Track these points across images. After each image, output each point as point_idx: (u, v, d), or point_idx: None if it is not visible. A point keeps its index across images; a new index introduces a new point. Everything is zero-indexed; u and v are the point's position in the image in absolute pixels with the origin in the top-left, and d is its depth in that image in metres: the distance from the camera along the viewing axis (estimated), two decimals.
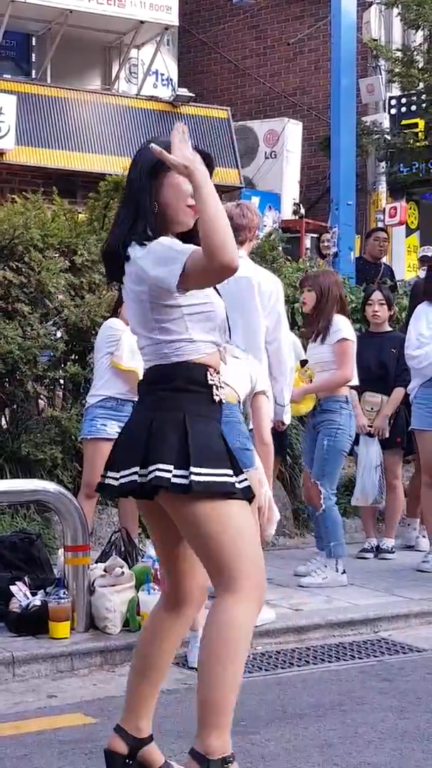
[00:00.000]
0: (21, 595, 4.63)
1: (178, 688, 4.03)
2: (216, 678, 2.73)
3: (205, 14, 16.87)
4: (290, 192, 14.61)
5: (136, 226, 2.84)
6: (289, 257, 8.83)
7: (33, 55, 14.24)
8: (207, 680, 2.75)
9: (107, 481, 2.90)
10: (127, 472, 2.81)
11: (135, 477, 2.78)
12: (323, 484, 5.69)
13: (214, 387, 2.84)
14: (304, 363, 5.69)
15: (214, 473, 2.73)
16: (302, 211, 14.40)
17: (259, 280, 5.10)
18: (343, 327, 5.78)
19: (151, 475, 2.73)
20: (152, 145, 2.77)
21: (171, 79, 15.01)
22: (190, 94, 14.09)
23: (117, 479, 2.85)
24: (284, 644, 4.71)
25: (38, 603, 4.55)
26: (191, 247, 2.74)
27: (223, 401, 2.89)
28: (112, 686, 4.09)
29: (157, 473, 2.72)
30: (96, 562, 4.87)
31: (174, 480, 2.71)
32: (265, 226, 12.22)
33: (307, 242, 13.48)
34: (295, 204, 14.53)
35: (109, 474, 2.90)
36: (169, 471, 2.72)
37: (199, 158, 2.74)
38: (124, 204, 2.95)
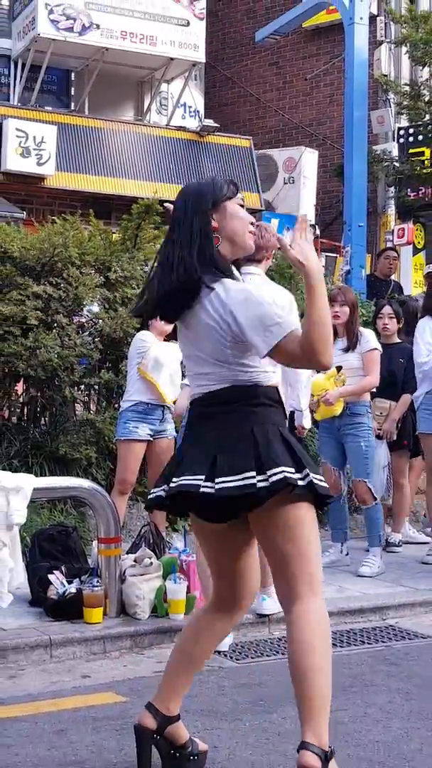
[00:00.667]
0: (58, 583, 4.63)
1: (202, 670, 4.01)
2: (326, 673, 2.65)
3: (229, 52, 16.88)
4: (307, 214, 14.56)
5: (204, 259, 2.71)
6: None
7: (72, 89, 14.30)
8: (319, 677, 2.64)
9: (202, 490, 2.66)
10: (233, 478, 2.63)
11: (249, 481, 2.62)
12: (370, 481, 5.75)
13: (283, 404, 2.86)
14: (339, 369, 5.69)
15: (318, 477, 2.71)
16: (318, 231, 14.35)
17: (274, 295, 5.10)
18: (371, 338, 5.87)
19: (275, 477, 2.62)
20: (274, 232, 2.77)
21: (198, 111, 15.03)
22: (216, 125, 14.10)
23: (212, 486, 2.65)
24: None
25: (74, 590, 4.55)
26: (292, 321, 2.64)
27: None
28: (141, 668, 4.09)
29: (285, 474, 2.62)
30: (127, 553, 4.86)
31: (299, 481, 2.65)
32: None
33: (322, 260, 13.43)
34: (311, 225, 14.49)
35: (196, 481, 2.68)
36: (292, 473, 2.65)
37: (315, 256, 2.63)
38: (178, 239, 2.76)
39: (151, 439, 5.59)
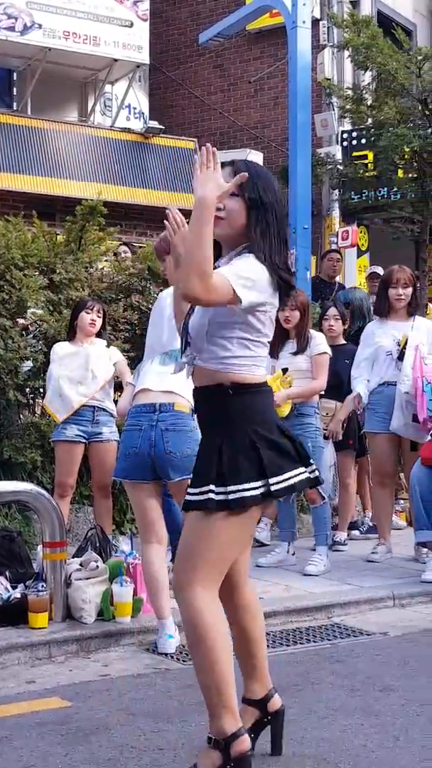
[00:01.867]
0: (2, 588, 4.59)
1: (148, 673, 4.01)
2: (199, 670, 2.83)
3: (173, 54, 16.88)
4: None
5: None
6: None
7: (14, 89, 14.17)
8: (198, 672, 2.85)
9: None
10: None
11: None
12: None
13: None
14: (285, 370, 5.73)
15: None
16: None
17: None
18: (321, 342, 5.91)
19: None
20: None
21: (142, 113, 15.00)
22: (160, 127, 14.09)
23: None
24: None
25: (18, 595, 4.51)
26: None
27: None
28: (87, 672, 4.06)
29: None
30: (72, 557, 4.83)
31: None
32: None
33: None
34: None
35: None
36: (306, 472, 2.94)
37: (212, 185, 2.72)
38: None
39: (85, 441, 5.60)
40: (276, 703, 3.06)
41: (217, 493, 2.71)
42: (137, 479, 4.26)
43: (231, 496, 2.71)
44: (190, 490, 2.81)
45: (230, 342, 2.78)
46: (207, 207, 2.67)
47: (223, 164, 2.86)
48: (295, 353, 5.82)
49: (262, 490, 2.73)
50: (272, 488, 2.75)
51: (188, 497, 2.81)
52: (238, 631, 2.99)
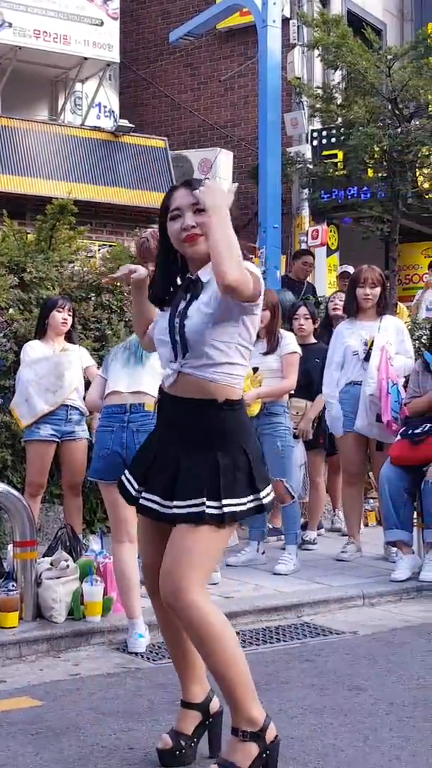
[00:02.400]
0: None
1: (118, 672, 4.01)
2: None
3: (144, 52, 16.85)
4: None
5: None
6: None
7: None
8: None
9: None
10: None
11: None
12: (287, 480, 5.78)
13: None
14: (255, 369, 5.74)
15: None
16: None
17: None
18: (291, 341, 5.91)
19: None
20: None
21: (113, 111, 14.96)
22: (131, 125, 14.06)
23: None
24: None
25: None
26: None
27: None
28: (57, 671, 4.06)
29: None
30: (43, 557, 4.82)
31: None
32: None
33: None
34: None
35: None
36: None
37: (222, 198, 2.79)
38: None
39: (58, 440, 5.59)
40: (215, 704, 3.08)
41: (211, 507, 2.77)
42: (110, 480, 4.25)
43: (225, 510, 2.78)
44: (176, 503, 2.81)
45: (230, 348, 2.83)
46: (223, 211, 2.76)
47: (173, 189, 2.96)
48: (266, 353, 5.83)
49: (254, 503, 2.85)
50: (264, 501, 2.87)
51: (175, 510, 2.81)
52: (178, 632, 2.98)
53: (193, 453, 2.82)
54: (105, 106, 14.85)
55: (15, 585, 4.44)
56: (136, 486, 2.96)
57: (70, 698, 3.52)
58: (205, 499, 2.77)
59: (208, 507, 2.76)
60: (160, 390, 2.98)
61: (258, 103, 10.69)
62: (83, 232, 7.74)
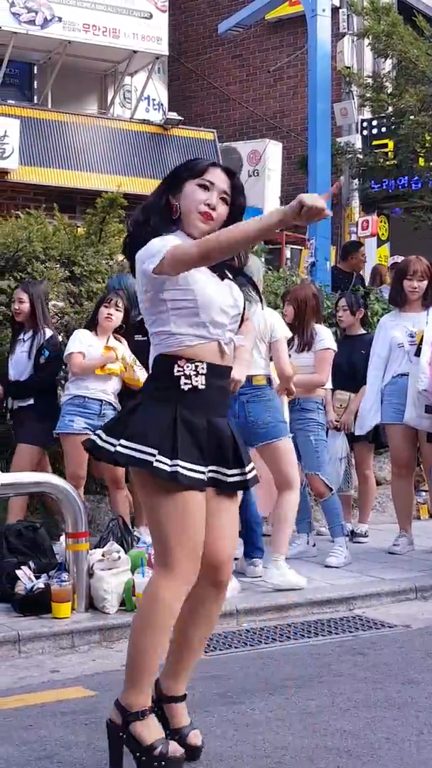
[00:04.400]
0: (26, 578, 4.62)
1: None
2: (133, 643, 2.81)
3: (192, 44, 16.83)
4: (272, 207, 14.57)
5: (147, 224, 2.89)
6: (271, 267, 8.82)
7: (35, 82, 14.19)
8: (131, 644, 2.82)
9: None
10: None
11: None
12: (323, 473, 5.75)
13: (182, 377, 2.78)
14: None
15: (137, 449, 2.74)
16: None
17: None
18: (326, 337, 5.83)
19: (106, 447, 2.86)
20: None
21: (162, 104, 14.99)
22: (179, 118, 14.07)
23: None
24: (267, 621, 4.70)
25: (42, 586, 4.54)
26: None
27: (199, 388, 2.78)
28: (110, 662, 4.08)
29: (106, 446, 2.84)
30: (94, 548, 4.85)
31: (106, 447, 2.82)
32: None
33: (288, 253, 13.47)
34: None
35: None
36: (111, 444, 2.81)
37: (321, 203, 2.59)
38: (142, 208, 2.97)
39: (92, 433, 5.59)
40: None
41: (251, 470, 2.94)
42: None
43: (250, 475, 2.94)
44: (242, 470, 2.88)
45: None
46: (283, 222, 2.62)
47: (213, 164, 2.94)
48: (299, 350, 5.75)
49: None
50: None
51: (247, 476, 2.89)
52: (192, 618, 2.96)
53: (232, 420, 2.96)
54: (154, 99, 14.88)
55: (67, 576, 4.48)
56: (202, 469, 2.79)
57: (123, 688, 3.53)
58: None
59: (254, 468, 2.94)
60: (212, 365, 2.83)
61: (307, 93, 10.63)
62: None
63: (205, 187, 2.87)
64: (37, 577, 4.64)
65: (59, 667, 4.02)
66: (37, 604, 4.47)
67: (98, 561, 4.67)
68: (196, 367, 2.78)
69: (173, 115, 14.05)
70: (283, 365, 5.15)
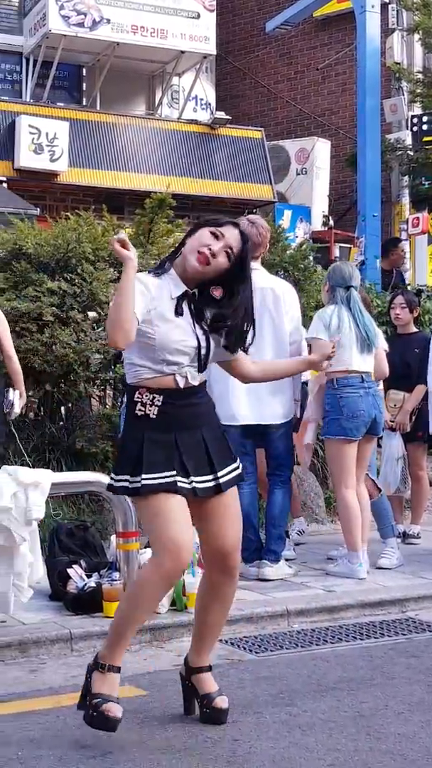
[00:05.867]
0: (77, 577, 4.66)
1: (221, 664, 4.02)
2: (119, 615, 3.21)
3: (240, 43, 16.83)
4: (320, 205, 14.52)
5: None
6: (320, 265, 8.78)
7: (84, 84, 14.29)
8: (117, 615, 3.23)
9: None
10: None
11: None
12: (371, 473, 5.75)
13: (139, 404, 3.14)
14: None
15: (117, 479, 3.20)
16: (331, 222, 14.30)
17: (273, 287, 5.20)
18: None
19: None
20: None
21: (209, 104, 15.00)
22: (227, 117, 14.07)
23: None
24: (318, 623, 4.68)
25: (93, 584, 4.57)
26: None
27: (151, 417, 3.13)
28: (161, 661, 4.10)
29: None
30: (145, 548, 4.87)
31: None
32: (296, 237, 12.16)
33: (336, 251, 13.40)
34: (324, 216, 14.43)
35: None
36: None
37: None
38: None
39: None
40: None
41: (238, 467, 3.30)
42: (357, 437, 5.30)
43: (240, 468, 3.34)
44: (222, 472, 3.22)
45: None
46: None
47: (233, 224, 3.24)
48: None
49: None
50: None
51: (226, 477, 3.22)
52: (214, 597, 3.35)
53: (207, 429, 3.23)
54: (201, 99, 14.89)
55: (118, 575, 4.50)
56: (187, 480, 3.16)
57: (174, 688, 3.54)
58: (234, 464, 3.26)
59: (238, 468, 3.27)
60: (167, 390, 3.15)
61: (356, 90, 10.58)
62: (181, 225, 7.77)
63: (215, 236, 3.16)
64: (89, 576, 4.67)
65: None
66: (89, 602, 4.50)
67: (149, 560, 4.67)
68: (153, 398, 3.14)
69: (221, 115, 14.05)
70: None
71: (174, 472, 3.12)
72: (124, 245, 3.09)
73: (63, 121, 12.59)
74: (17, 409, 5.46)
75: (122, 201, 12.52)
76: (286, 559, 5.43)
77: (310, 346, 5.35)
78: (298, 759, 2.99)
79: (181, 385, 3.15)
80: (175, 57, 13.80)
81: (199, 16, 13.67)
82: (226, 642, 4.33)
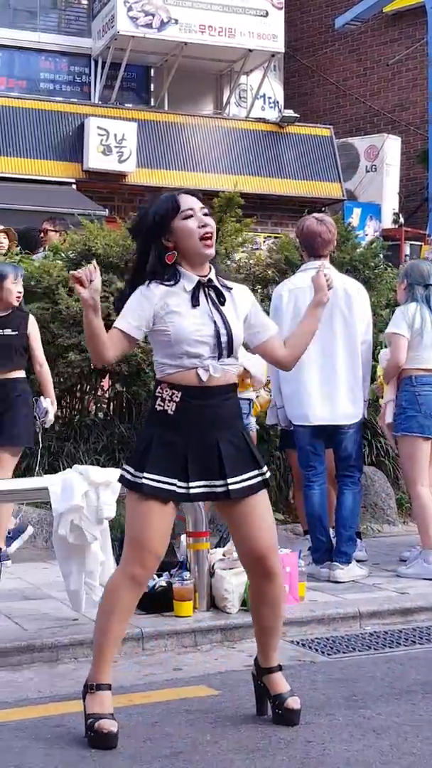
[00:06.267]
0: None
1: (293, 665, 4.00)
2: (97, 628, 3.24)
3: (308, 40, 16.77)
4: (390, 203, 14.39)
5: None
6: (390, 264, 8.68)
7: (151, 85, 14.41)
8: (95, 628, 3.28)
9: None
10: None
11: None
12: None
13: (159, 398, 3.15)
14: None
15: (125, 468, 3.22)
16: (401, 220, 14.17)
17: (345, 286, 5.15)
18: None
19: None
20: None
21: (277, 102, 14.98)
22: (296, 115, 14.03)
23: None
24: (391, 625, 4.63)
25: (164, 584, 4.59)
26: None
27: (169, 413, 3.11)
28: (232, 661, 4.09)
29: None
30: (215, 547, 4.88)
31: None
32: (366, 235, 12.06)
33: (407, 249, 13.25)
34: (394, 214, 14.31)
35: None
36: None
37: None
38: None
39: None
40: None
41: (263, 473, 3.23)
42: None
43: (267, 474, 3.27)
44: (237, 478, 3.17)
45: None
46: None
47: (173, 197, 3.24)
48: None
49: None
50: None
51: (241, 484, 3.17)
52: (263, 603, 3.34)
53: (225, 434, 3.17)
54: (269, 97, 14.88)
55: (189, 575, 4.52)
56: (180, 484, 3.15)
57: (246, 688, 3.54)
58: (256, 470, 3.20)
59: (263, 473, 3.21)
60: (186, 387, 3.13)
61: (427, 85, 10.45)
62: (249, 224, 7.77)
63: (190, 216, 3.16)
64: (159, 576, 4.69)
65: (181, 665, 4.06)
66: (160, 601, 4.52)
67: (219, 560, 4.69)
68: (172, 394, 3.13)
69: (289, 113, 14.02)
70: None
71: (174, 480, 3.14)
72: (80, 282, 3.08)
73: (131, 122, 12.71)
74: (51, 416, 5.50)
75: None
76: (358, 561, 5.38)
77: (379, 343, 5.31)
78: (372, 762, 2.96)
79: (204, 378, 3.12)
80: (242, 56, 13.81)
81: (267, 14, 13.66)
82: (298, 643, 4.32)
